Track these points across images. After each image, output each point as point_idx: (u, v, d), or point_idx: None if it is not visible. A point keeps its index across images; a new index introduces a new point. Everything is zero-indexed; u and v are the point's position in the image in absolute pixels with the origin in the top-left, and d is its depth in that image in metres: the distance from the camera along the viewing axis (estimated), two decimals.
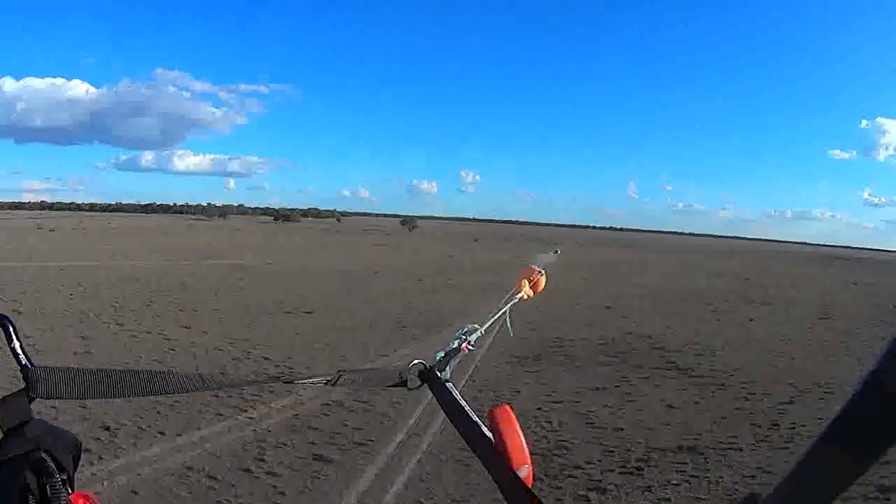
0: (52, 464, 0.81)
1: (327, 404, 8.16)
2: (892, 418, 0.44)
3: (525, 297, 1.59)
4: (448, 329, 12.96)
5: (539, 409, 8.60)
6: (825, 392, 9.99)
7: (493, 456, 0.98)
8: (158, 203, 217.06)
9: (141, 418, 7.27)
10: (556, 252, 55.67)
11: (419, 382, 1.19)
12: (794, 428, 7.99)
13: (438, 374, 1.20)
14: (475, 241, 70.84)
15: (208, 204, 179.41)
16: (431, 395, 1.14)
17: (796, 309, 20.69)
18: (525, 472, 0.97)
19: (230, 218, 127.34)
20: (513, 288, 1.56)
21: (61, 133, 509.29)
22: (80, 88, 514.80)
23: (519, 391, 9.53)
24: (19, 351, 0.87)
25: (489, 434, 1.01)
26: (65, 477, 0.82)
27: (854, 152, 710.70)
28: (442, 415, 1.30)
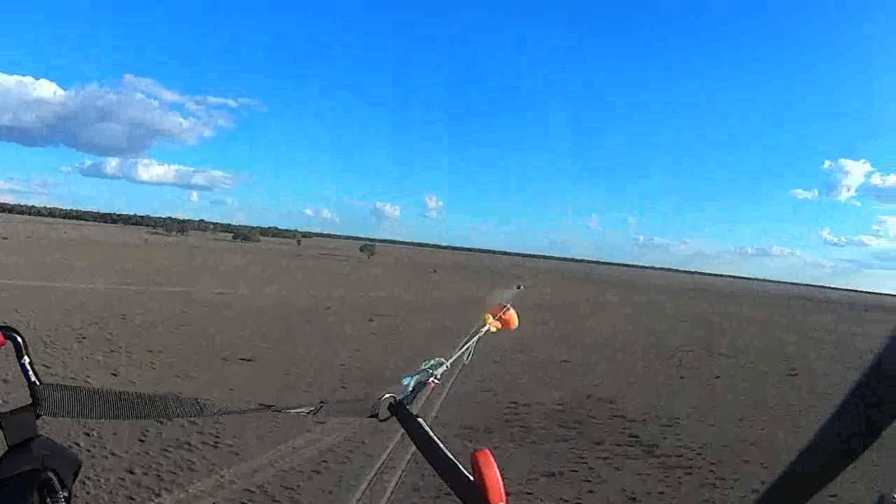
0: (57, 483, 0.90)
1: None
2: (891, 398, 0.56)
3: (492, 329, 1.67)
4: (394, 388, 12.07)
5: None
6: None
7: (472, 492, 1.08)
8: (119, 213, 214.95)
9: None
10: (519, 287, 55.36)
11: (388, 415, 1.30)
12: None
13: (407, 407, 1.30)
14: (434, 272, 70.11)
15: (168, 217, 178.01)
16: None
17: (762, 364, 20.45)
18: None
19: (190, 233, 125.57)
20: (472, 332, 1.62)
21: (26, 133, 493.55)
22: (47, 89, 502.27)
23: None
24: (29, 367, 0.97)
25: (467, 473, 1.11)
26: (66, 495, 0.92)
27: (815, 192, 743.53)
28: None
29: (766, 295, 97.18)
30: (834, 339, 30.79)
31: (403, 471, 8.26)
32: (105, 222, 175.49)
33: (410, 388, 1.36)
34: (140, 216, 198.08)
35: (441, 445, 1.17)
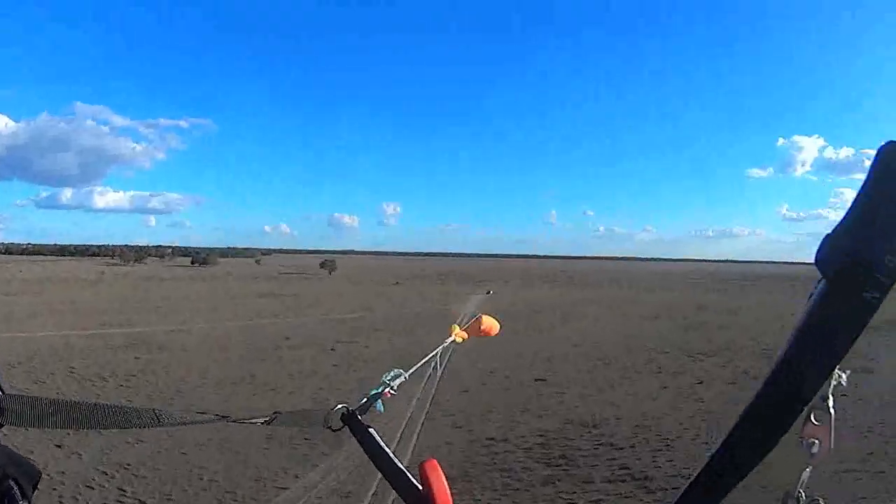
0: (18, 493, 0.92)
1: None
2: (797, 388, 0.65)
3: (458, 340, 1.79)
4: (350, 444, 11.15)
5: None
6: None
7: (421, 502, 1.15)
8: (76, 245, 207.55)
9: None
10: (489, 293, 55.09)
11: (341, 425, 1.33)
12: None
13: (360, 417, 1.34)
14: (396, 283, 69.01)
15: (125, 246, 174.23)
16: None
17: (743, 361, 20.16)
18: None
19: (147, 261, 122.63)
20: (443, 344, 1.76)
21: None
22: None
23: None
24: None
25: (416, 483, 1.18)
26: None
27: (771, 170, 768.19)
28: None
29: (731, 277, 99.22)
30: None
31: None
32: (63, 255, 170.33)
33: (364, 399, 1.42)
34: (98, 246, 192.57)
35: (392, 457, 1.25)
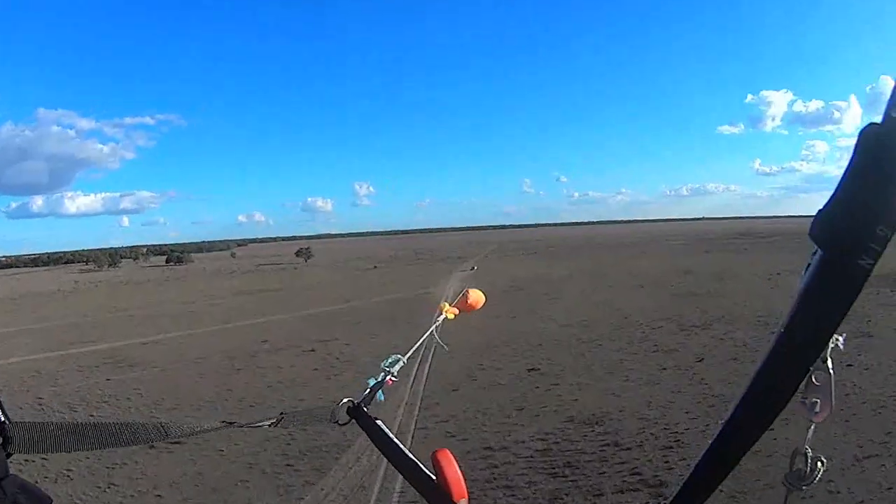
0: None
1: None
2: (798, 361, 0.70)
3: (449, 316, 1.78)
4: (336, 470, 10.42)
5: None
6: None
7: (435, 490, 1.18)
8: (50, 253, 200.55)
9: None
10: (473, 269, 54.45)
11: (348, 419, 1.39)
12: None
13: (366, 409, 1.39)
14: (374, 268, 67.96)
15: (99, 250, 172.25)
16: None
17: (739, 331, 19.76)
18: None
19: (122, 264, 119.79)
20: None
21: None
22: None
23: None
24: None
25: (429, 474, 1.19)
26: None
27: (742, 126, 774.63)
28: None
29: (711, 237, 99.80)
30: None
31: None
32: (36, 266, 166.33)
33: (367, 390, 1.44)
34: (72, 253, 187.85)
35: (401, 446, 1.27)
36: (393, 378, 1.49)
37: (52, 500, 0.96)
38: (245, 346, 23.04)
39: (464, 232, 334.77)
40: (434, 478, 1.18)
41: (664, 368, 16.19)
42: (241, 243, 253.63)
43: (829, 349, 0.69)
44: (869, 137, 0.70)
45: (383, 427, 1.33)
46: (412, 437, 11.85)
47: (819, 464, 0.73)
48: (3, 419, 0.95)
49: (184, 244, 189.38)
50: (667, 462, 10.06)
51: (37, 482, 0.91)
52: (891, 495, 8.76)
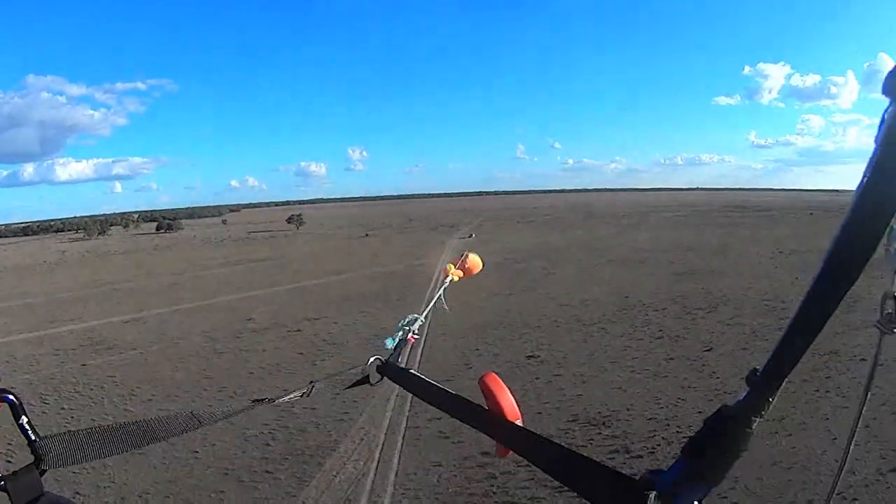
0: None
1: None
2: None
3: (455, 279, 1.78)
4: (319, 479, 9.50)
5: None
6: None
7: (489, 418, 1.17)
8: (40, 222, 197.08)
9: None
10: (471, 236, 53.76)
11: (379, 377, 1.42)
12: None
13: (395, 364, 1.44)
14: (367, 235, 66.84)
15: (90, 217, 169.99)
16: None
17: (746, 314, 18.98)
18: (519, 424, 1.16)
19: (112, 231, 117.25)
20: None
21: None
22: None
23: None
24: (27, 427, 0.95)
25: (480, 404, 1.19)
26: None
27: (738, 97, 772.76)
28: None
29: (709, 209, 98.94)
30: (801, 259, 29.82)
31: None
32: (26, 235, 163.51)
33: (392, 347, 1.48)
34: (62, 220, 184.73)
35: (441, 386, 1.26)
36: (415, 336, 1.55)
37: None
38: (229, 324, 22.05)
39: (457, 198, 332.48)
40: (485, 406, 1.19)
41: (671, 358, 15.27)
42: (234, 208, 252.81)
43: None
44: None
45: (417, 374, 1.34)
46: (403, 438, 10.92)
47: None
48: (34, 438, 0.94)
49: (175, 210, 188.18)
50: None
51: None
52: None
